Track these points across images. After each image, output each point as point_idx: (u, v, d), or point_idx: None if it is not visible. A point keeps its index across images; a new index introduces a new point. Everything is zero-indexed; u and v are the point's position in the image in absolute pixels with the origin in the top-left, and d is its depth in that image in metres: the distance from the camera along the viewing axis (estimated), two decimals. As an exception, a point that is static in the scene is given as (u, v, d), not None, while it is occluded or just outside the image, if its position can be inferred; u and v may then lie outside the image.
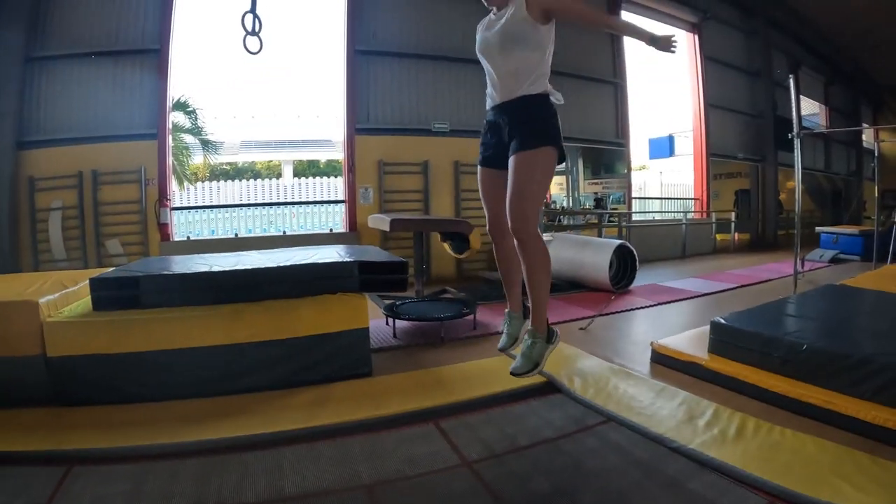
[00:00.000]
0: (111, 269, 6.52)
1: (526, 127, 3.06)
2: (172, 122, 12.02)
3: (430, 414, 4.31)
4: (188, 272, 5.59)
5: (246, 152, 26.61)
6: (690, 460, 3.50)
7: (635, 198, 16.59)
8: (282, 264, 5.66)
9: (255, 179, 27.84)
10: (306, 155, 31.75)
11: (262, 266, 5.62)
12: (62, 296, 5.51)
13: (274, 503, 3.33)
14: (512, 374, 3.57)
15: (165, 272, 5.64)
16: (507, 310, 3.96)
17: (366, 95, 11.74)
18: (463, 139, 12.05)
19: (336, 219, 14.83)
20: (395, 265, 5.87)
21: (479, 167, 3.41)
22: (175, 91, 11.50)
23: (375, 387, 5.00)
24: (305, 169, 32.09)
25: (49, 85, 10.41)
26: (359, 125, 11.61)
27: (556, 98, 3.27)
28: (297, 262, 5.72)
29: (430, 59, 12.13)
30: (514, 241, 3.31)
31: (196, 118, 16.66)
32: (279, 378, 5.14)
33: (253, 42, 8.18)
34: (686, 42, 17.03)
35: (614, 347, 6.22)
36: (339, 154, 30.98)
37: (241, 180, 25.18)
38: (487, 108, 3.36)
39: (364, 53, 11.70)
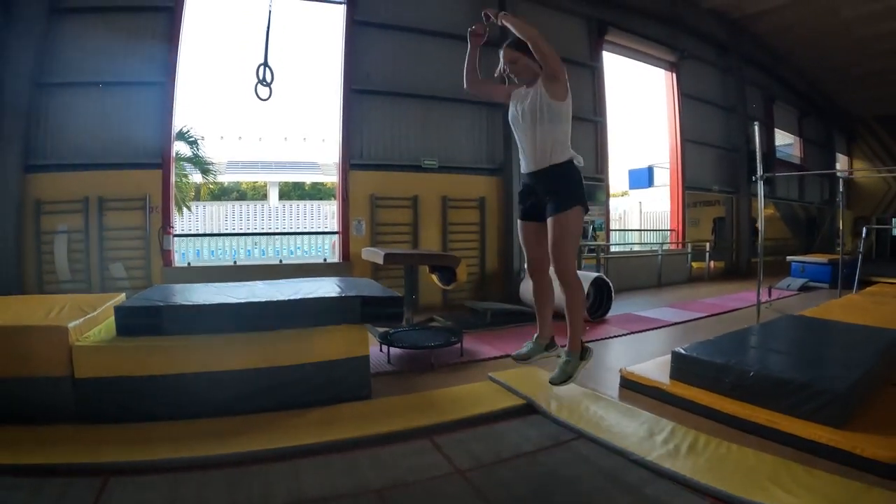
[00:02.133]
0: (134, 296, 6.97)
1: (558, 195, 3.61)
2: (175, 152, 12.49)
3: (426, 431, 4.90)
4: (207, 303, 6.14)
5: (232, 172, 26.63)
6: (648, 470, 4.10)
7: (614, 230, 16.95)
8: (292, 298, 6.23)
9: (241, 200, 28.08)
10: (292, 177, 31.81)
11: (275, 299, 6.18)
12: (86, 321, 6.01)
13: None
14: (550, 382, 4.35)
15: (186, 302, 6.20)
16: (536, 334, 4.59)
17: (359, 132, 12.22)
18: (451, 175, 12.68)
19: (325, 243, 15.36)
20: (392, 300, 6.45)
21: (519, 221, 3.96)
22: (177, 120, 11.94)
23: (376, 407, 5.59)
24: (291, 190, 32.28)
25: (57, 111, 10.81)
26: (353, 160, 12.07)
27: (579, 161, 3.84)
28: (306, 296, 6.28)
29: (421, 98, 12.62)
30: (556, 279, 3.94)
31: (198, 148, 17.10)
32: (290, 399, 5.68)
33: (264, 91, 8.85)
34: (664, 80, 17.62)
35: (588, 373, 6.54)
36: (324, 177, 31.32)
37: (226, 200, 25.48)
38: (522, 171, 3.91)
39: (358, 92, 12.20)
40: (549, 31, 12.70)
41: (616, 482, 4.01)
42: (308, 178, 32.41)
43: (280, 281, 7.51)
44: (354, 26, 12.20)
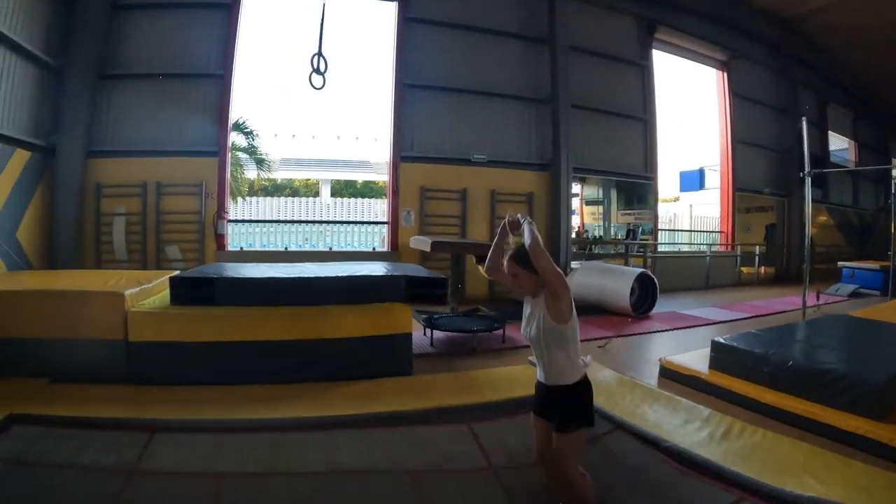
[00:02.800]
0: (189, 269, 7.30)
1: (566, 415, 3.55)
2: (231, 142, 12.82)
3: (464, 414, 4.97)
4: (258, 277, 6.44)
5: (285, 169, 26.95)
6: (679, 457, 4.11)
7: (662, 229, 16.78)
8: (339, 275, 6.46)
9: (294, 196, 28.39)
10: (344, 175, 32.04)
11: (322, 275, 6.43)
12: (141, 290, 6.37)
13: (334, 473, 4.04)
14: None
15: (238, 275, 6.49)
16: None
17: (410, 125, 12.41)
18: (499, 169, 12.76)
19: (375, 238, 15.54)
20: (437, 281, 6.65)
21: (532, 413, 3.82)
22: (234, 112, 12.28)
23: (416, 384, 5.74)
24: (343, 188, 32.55)
25: (118, 101, 11.31)
26: (403, 153, 12.27)
27: (585, 362, 3.76)
28: (352, 274, 6.51)
29: (471, 93, 12.76)
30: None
31: (252, 139, 17.50)
32: (333, 372, 5.90)
33: (318, 79, 9.07)
34: (715, 80, 17.36)
35: (628, 363, 6.82)
36: (376, 176, 31.52)
37: (279, 196, 25.80)
38: (538, 377, 3.77)
39: (410, 86, 12.41)
40: (598, 30, 12.66)
41: (651, 470, 4.06)
42: (360, 177, 32.58)
43: (329, 263, 7.73)
44: (406, 23, 12.44)
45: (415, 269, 7.18)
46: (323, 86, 9.41)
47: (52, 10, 10.36)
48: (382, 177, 31.93)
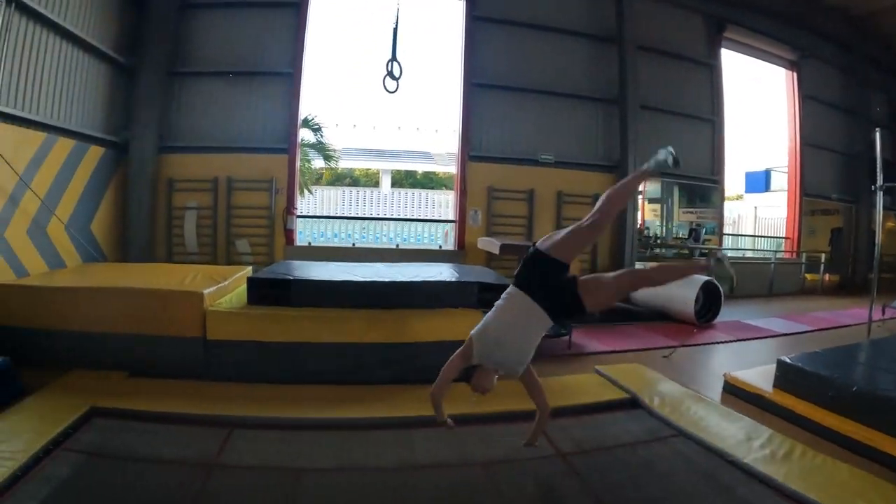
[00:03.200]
0: (263, 269, 7.65)
1: None
2: (300, 138, 13.18)
3: (532, 415, 5.19)
4: (333, 279, 6.73)
5: (346, 159, 27.31)
6: (742, 472, 4.25)
7: (726, 234, 16.60)
8: (413, 279, 6.74)
9: (354, 186, 28.78)
10: (404, 166, 32.28)
11: (397, 279, 6.71)
12: (218, 289, 6.73)
13: (408, 469, 4.33)
14: None
15: (313, 278, 6.80)
16: None
17: (478, 124, 12.57)
18: (566, 171, 12.84)
19: (438, 231, 15.75)
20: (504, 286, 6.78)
21: None
22: (302, 109, 12.71)
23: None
24: (403, 179, 32.84)
25: (189, 98, 11.86)
26: (471, 152, 12.44)
27: None
28: (427, 279, 6.78)
29: (538, 92, 12.85)
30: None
31: (321, 135, 17.95)
32: (404, 374, 6.14)
33: (391, 84, 9.34)
34: (784, 80, 16.99)
35: (691, 375, 6.90)
36: (436, 167, 31.72)
37: (339, 185, 26.19)
38: None
39: (478, 86, 12.57)
40: (666, 29, 12.63)
41: (710, 481, 4.19)
42: (420, 168, 32.81)
43: (399, 263, 8.00)
44: (473, 22, 12.61)
45: (485, 275, 7.40)
46: (396, 90, 9.67)
47: (122, 10, 10.87)
48: (443, 168, 32.30)
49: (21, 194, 8.13)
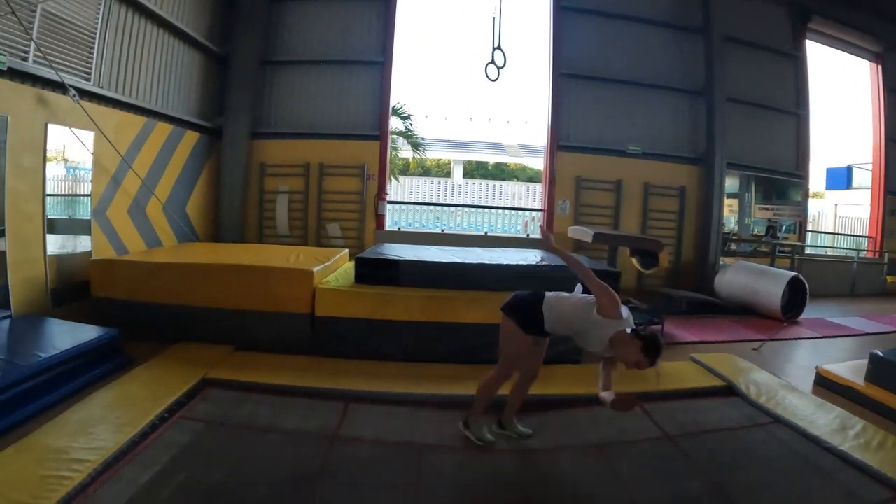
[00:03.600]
0: (368, 250, 8.03)
1: None
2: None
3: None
4: (441, 262, 7.06)
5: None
6: (839, 458, 4.44)
7: (809, 231, 16.23)
8: (519, 262, 7.04)
9: (425, 176, 29.17)
10: (476, 156, 32.62)
11: (504, 262, 7.00)
12: (324, 268, 7.15)
13: (524, 448, 4.63)
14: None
15: (420, 259, 7.15)
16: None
17: (566, 115, 12.73)
18: (653, 162, 12.88)
19: (515, 222, 15.94)
20: (610, 274, 7.09)
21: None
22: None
23: (586, 372, 6.17)
24: (474, 169, 33.12)
25: (280, 86, 12.43)
26: (560, 142, 12.60)
27: None
28: (532, 264, 7.08)
29: (624, 83, 12.91)
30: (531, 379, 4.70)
31: (410, 123, 18.44)
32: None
33: (493, 72, 9.67)
34: (869, 73, 16.26)
35: (781, 368, 7.04)
36: (508, 158, 31.87)
37: (410, 175, 26.61)
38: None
39: (566, 76, 12.72)
40: (751, 20, 12.49)
41: (809, 465, 4.40)
42: (492, 158, 33.09)
43: (497, 249, 8.28)
44: (560, 12, 12.77)
45: (585, 262, 7.61)
46: (497, 78, 9.96)
47: (215, 1, 11.48)
48: (514, 159, 32.47)
49: (122, 176, 8.70)
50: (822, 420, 5.11)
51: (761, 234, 14.77)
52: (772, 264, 12.44)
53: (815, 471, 4.32)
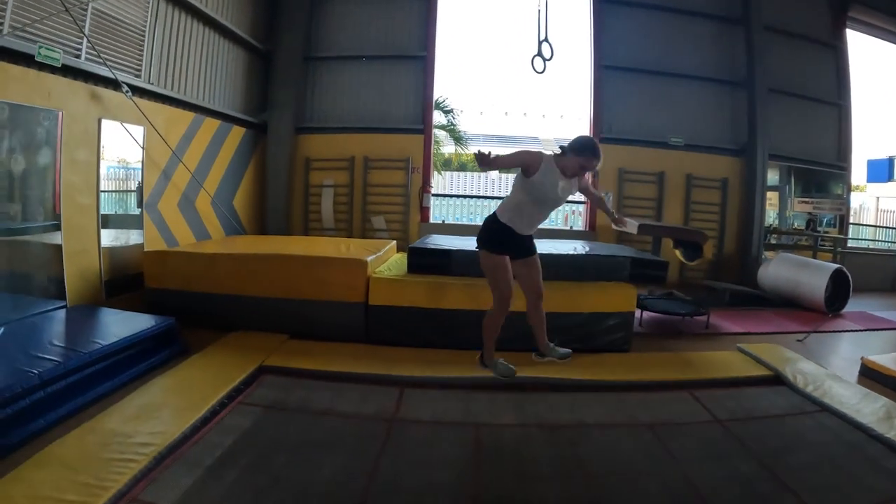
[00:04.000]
0: (419, 240, 8.21)
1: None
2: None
3: (685, 384, 5.66)
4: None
5: (451, 144, 28.00)
6: (887, 446, 4.50)
7: (851, 224, 15.92)
8: (570, 252, 7.18)
9: (460, 171, 29.31)
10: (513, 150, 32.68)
11: (555, 252, 7.10)
12: (376, 258, 7.34)
13: (579, 426, 4.78)
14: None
15: (471, 248, 7.22)
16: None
17: (608, 107, 12.75)
18: (695, 154, 12.75)
19: (555, 215, 15.99)
20: (658, 264, 7.27)
21: (514, 260, 4.72)
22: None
23: (635, 360, 6.42)
24: (510, 163, 33.15)
25: (324, 81, 12.66)
26: (602, 134, 12.54)
27: None
28: (582, 253, 7.22)
29: (665, 75, 12.84)
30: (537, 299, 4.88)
31: (453, 117, 18.65)
32: (559, 344, 6.51)
33: (539, 64, 9.79)
34: None
35: (826, 359, 7.07)
36: (544, 152, 31.91)
37: (445, 170, 26.75)
38: (524, 232, 4.65)
39: (606, 68, 12.74)
40: (790, 9, 12.26)
41: (857, 452, 4.46)
42: (528, 152, 33.07)
43: (546, 240, 8.41)
44: (600, 3, 12.78)
45: (629, 251, 7.78)
46: (544, 70, 10.06)
47: None
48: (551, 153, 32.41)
49: (172, 170, 8.95)
50: (869, 409, 5.15)
51: (801, 227, 14.60)
52: (814, 257, 12.33)
53: (862, 457, 4.38)
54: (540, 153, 4.31)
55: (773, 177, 13.80)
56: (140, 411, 4.50)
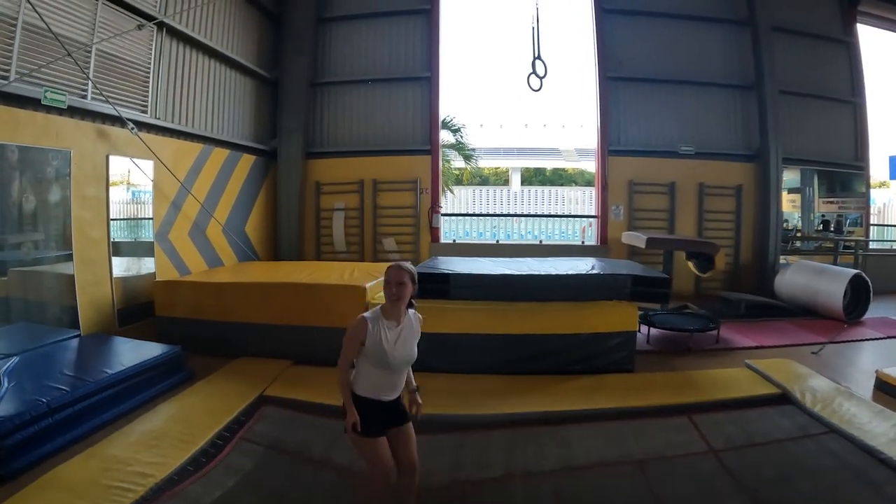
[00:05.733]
0: (420, 264, 8.12)
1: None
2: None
3: (685, 408, 5.48)
4: (491, 273, 7.14)
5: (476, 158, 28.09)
6: (893, 470, 4.27)
7: (873, 224, 15.63)
8: (567, 273, 7.07)
9: (483, 185, 29.27)
10: (533, 163, 32.65)
11: (553, 273, 7.04)
12: (377, 283, 7.22)
13: (566, 471, 4.52)
14: None
15: (472, 272, 7.22)
16: None
17: (616, 118, 12.62)
18: (707, 162, 12.53)
19: (572, 228, 15.91)
20: (660, 281, 7.13)
21: (379, 438, 3.68)
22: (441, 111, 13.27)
23: (639, 381, 6.26)
24: (532, 176, 33.11)
25: (331, 106, 12.81)
26: (611, 147, 12.48)
27: None
28: (580, 272, 7.11)
29: (673, 83, 12.70)
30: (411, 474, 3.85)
31: (461, 135, 18.65)
32: (558, 366, 6.53)
33: (535, 82, 9.73)
34: None
35: (842, 372, 6.85)
36: (565, 163, 31.76)
37: (467, 185, 26.76)
38: (384, 398, 3.72)
39: (613, 79, 12.62)
40: (797, 6, 12.41)
41: (858, 479, 4.26)
42: (549, 164, 33.07)
43: (549, 258, 8.35)
44: (602, 15, 12.68)
45: (634, 268, 7.67)
46: (540, 88, 10.00)
47: (262, 28, 11.93)
48: (572, 164, 32.31)
49: (182, 200, 9.14)
50: (879, 429, 4.94)
51: (820, 229, 14.22)
52: (835, 261, 12.05)
53: (864, 483, 4.19)
54: (363, 318, 3.68)
55: (794, 178, 13.56)
56: (142, 438, 4.66)
